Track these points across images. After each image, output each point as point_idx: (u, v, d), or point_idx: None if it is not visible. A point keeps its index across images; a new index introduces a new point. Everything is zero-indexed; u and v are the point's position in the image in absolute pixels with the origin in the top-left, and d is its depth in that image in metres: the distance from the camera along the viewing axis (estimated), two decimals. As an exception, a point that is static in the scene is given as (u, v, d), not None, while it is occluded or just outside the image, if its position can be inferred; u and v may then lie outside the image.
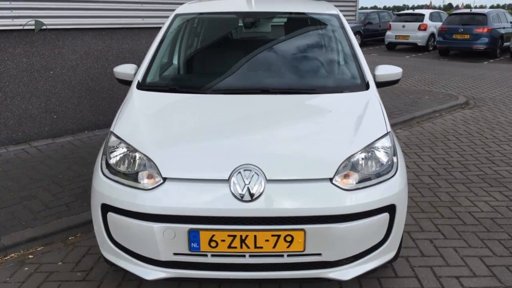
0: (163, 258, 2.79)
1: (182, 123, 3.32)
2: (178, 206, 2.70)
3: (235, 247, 2.71)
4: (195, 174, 2.78)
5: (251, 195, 2.66)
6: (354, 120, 3.25)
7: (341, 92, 3.66)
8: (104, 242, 2.99)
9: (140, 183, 2.80)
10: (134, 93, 3.68)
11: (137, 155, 2.90)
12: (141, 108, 3.47)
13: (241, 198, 2.66)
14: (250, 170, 2.72)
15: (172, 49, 4.41)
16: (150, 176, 2.80)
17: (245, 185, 2.68)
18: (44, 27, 5.70)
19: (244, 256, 2.75)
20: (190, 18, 4.63)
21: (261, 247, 2.72)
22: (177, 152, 2.96)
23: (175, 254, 2.77)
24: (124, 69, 4.10)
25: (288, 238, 2.70)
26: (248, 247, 2.71)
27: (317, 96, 3.65)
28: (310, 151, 2.94)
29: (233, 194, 2.68)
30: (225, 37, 4.71)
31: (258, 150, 2.91)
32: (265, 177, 2.72)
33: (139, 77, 3.84)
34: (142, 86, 3.77)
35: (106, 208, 2.88)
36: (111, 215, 2.86)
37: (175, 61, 4.44)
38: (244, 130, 3.16)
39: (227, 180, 2.71)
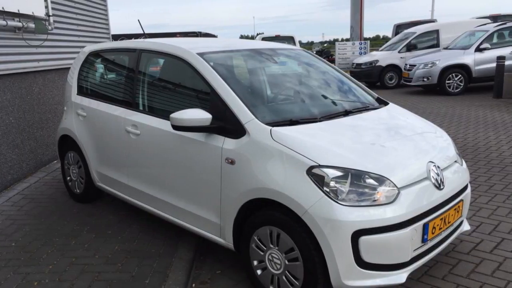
0: (410, 257, 3.22)
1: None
2: (414, 208, 3.20)
3: (441, 228, 3.45)
4: (410, 179, 3.33)
5: (442, 183, 3.47)
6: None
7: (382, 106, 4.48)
8: (352, 270, 3.09)
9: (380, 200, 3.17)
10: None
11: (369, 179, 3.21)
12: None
13: (439, 187, 3.42)
14: (434, 164, 3.51)
15: None
16: (388, 191, 3.18)
17: (438, 177, 3.47)
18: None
19: (441, 234, 3.50)
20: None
21: (450, 222, 3.55)
22: (394, 165, 3.37)
23: (414, 250, 3.24)
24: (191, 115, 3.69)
25: (458, 209, 3.64)
26: (445, 224, 3.49)
27: (382, 109, 4.39)
28: (442, 143, 3.94)
29: (435, 185, 3.41)
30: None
31: (427, 150, 3.69)
32: (439, 167, 3.56)
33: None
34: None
35: (357, 234, 3.04)
36: (364, 239, 3.05)
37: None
38: (403, 140, 3.75)
39: (427, 178, 3.41)
